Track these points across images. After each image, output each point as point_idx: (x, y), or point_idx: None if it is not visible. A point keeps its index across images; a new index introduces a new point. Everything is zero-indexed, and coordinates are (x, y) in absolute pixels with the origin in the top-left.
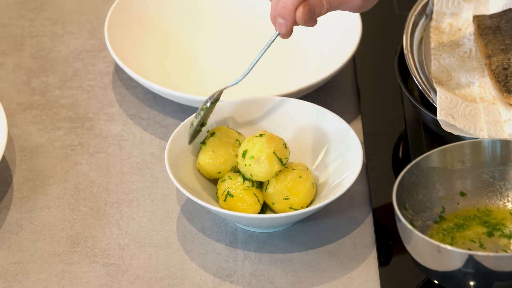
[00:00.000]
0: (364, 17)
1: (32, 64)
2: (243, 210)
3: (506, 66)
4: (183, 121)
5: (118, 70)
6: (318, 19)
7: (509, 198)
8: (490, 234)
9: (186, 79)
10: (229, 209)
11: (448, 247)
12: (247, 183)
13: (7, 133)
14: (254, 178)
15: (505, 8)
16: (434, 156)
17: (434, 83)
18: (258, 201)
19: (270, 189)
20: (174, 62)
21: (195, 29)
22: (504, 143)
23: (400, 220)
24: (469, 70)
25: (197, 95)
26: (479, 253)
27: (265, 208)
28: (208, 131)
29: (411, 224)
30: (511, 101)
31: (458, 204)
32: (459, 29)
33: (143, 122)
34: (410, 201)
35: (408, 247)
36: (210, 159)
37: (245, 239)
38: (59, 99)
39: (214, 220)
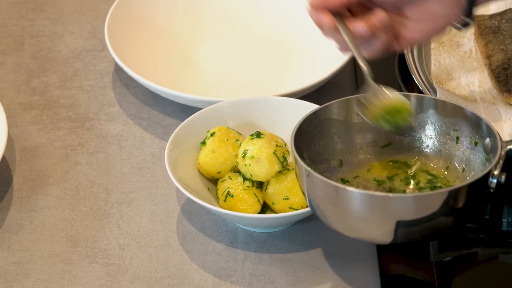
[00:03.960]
0: None
1: (32, 64)
2: (243, 210)
3: (506, 66)
4: (183, 121)
5: (118, 70)
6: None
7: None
8: (390, 179)
9: (186, 79)
10: (229, 209)
11: (347, 187)
12: (247, 183)
13: (7, 133)
14: (254, 178)
15: (505, 8)
16: (333, 107)
17: (434, 83)
18: (258, 201)
19: (270, 189)
20: (174, 62)
21: (195, 29)
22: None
23: (299, 164)
24: (469, 70)
25: (197, 95)
26: (376, 193)
27: (265, 208)
28: (208, 131)
29: None
30: (511, 101)
31: (356, 157)
32: None
33: (143, 122)
34: (308, 150)
35: (307, 193)
36: (210, 159)
37: (245, 239)
38: (59, 99)
39: (214, 220)
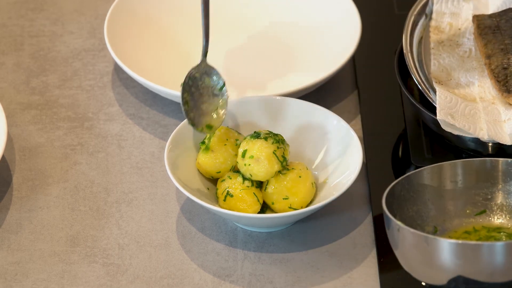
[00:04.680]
0: (364, 17)
1: (31, 64)
2: (242, 210)
3: (505, 65)
4: (182, 121)
5: (117, 70)
6: (318, 18)
7: (498, 217)
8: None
9: None
10: (229, 209)
11: (437, 237)
12: (246, 183)
13: (6, 133)
14: (253, 178)
15: (504, 7)
16: (425, 172)
17: (433, 83)
18: (258, 200)
19: (270, 189)
20: (174, 62)
21: (195, 29)
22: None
23: (389, 220)
24: (468, 70)
25: None
26: (467, 242)
27: (264, 208)
28: None
29: None
30: (511, 101)
31: (450, 224)
32: (459, 29)
33: (142, 122)
34: (401, 214)
35: (399, 252)
36: (209, 159)
37: (245, 239)
38: (58, 99)
39: (213, 220)
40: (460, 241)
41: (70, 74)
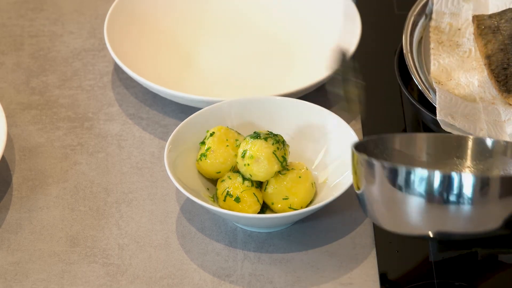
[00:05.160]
0: (364, 17)
1: (31, 64)
2: (242, 210)
3: (505, 66)
4: (182, 121)
5: (117, 70)
6: (318, 18)
7: None
8: None
9: (185, 79)
10: (229, 209)
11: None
12: (246, 183)
13: (6, 133)
14: (253, 178)
15: (504, 8)
16: (399, 139)
17: (433, 83)
18: (258, 201)
19: (270, 189)
20: (174, 62)
21: (195, 29)
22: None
23: (358, 158)
24: (468, 70)
25: (197, 95)
26: (442, 171)
27: (264, 208)
28: (207, 131)
29: None
30: (511, 101)
31: None
32: (459, 29)
33: (142, 122)
34: None
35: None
36: (209, 159)
37: (245, 239)
38: (58, 99)
39: (213, 220)
40: (435, 170)
41: (70, 74)
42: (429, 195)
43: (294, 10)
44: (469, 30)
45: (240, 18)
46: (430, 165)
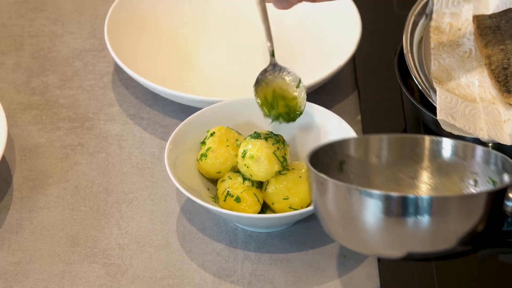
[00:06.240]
0: (364, 17)
1: (32, 64)
2: (243, 210)
3: (506, 66)
4: (183, 121)
5: (118, 70)
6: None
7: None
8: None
9: (186, 79)
10: (229, 209)
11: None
12: (247, 183)
13: (7, 133)
14: (254, 178)
15: (504, 7)
16: (350, 143)
17: (434, 83)
18: (258, 201)
19: (270, 189)
20: (174, 62)
21: (195, 29)
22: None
23: (315, 174)
24: (469, 70)
25: (197, 95)
26: (394, 194)
27: (265, 208)
28: (208, 131)
29: None
30: (511, 101)
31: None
32: (459, 29)
33: (143, 122)
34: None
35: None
36: (210, 159)
37: (245, 239)
38: (59, 99)
39: (214, 220)
40: (387, 192)
41: (70, 74)
42: (375, 215)
43: (294, 10)
44: (470, 30)
45: (240, 18)
46: (386, 169)
